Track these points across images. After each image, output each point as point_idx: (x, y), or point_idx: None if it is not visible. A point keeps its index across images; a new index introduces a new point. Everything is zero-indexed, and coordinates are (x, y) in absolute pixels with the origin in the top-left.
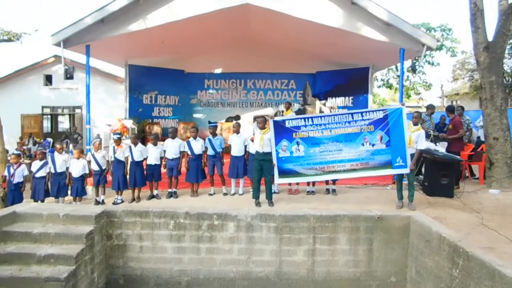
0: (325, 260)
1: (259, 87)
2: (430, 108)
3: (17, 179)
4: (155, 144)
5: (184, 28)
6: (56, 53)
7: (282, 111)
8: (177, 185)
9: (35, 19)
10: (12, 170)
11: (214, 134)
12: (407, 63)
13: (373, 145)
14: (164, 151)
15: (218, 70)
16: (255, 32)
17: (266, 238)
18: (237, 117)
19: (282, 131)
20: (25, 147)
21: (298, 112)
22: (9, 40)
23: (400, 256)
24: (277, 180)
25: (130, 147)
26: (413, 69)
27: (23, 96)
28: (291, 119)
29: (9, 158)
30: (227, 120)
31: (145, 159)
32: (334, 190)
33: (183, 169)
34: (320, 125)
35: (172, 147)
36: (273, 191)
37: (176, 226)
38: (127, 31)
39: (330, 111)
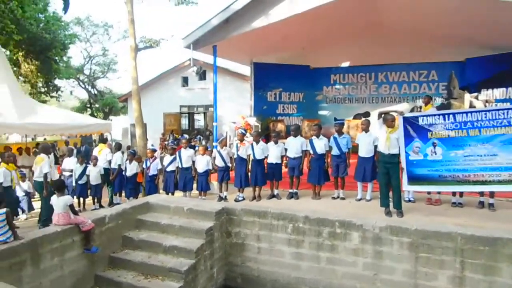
0: None
1: (392, 80)
2: None
3: (152, 171)
4: (276, 142)
5: (307, 21)
6: (191, 56)
7: (420, 107)
8: (299, 186)
9: (172, 25)
10: (148, 164)
11: (340, 133)
12: None
13: None
14: (286, 149)
15: (345, 64)
16: (386, 18)
17: (397, 255)
18: (367, 114)
19: (414, 130)
20: (166, 142)
21: (441, 107)
22: (150, 46)
23: None
24: (406, 186)
25: (252, 145)
26: None
27: (164, 97)
28: (426, 116)
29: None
30: (354, 117)
31: (266, 157)
32: (491, 205)
33: (305, 169)
34: (466, 123)
35: (293, 146)
36: (407, 199)
37: (294, 230)
38: (250, 29)
39: (485, 106)
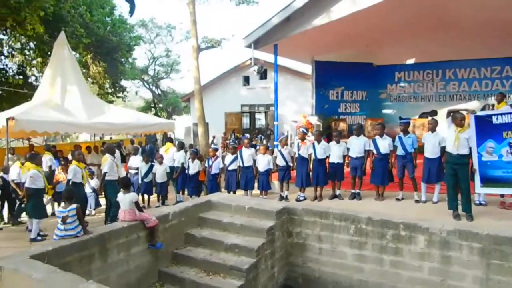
0: None
1: (461, 77)
2: None
3: (214, 170)
4: (338, 142)
5: (371, 17)
6: (251, 55)
7: (492, 105)
8: (361, 186)
9: (233, 24)
10: (210, 162)
11: (405, 132)
12: None
13: None
14: (348, 149)
15: (410, 61)
16: (456, 12)
17: (467, 261)
18: (433, 113)
19: (487, 129)
20: (227, 141)
21: None
22: (212, 46)
23: None
24: (479, 189)
25: (313, 144)
26: None
27: (226, 96)
28: (500, 114)
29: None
30: (420, 116)
31: (328, 157)
32: None
33: (368, 169)
34: None
35: (356, 145)
36: (477, 202)
37: (357, 231)
38: (312, 26)
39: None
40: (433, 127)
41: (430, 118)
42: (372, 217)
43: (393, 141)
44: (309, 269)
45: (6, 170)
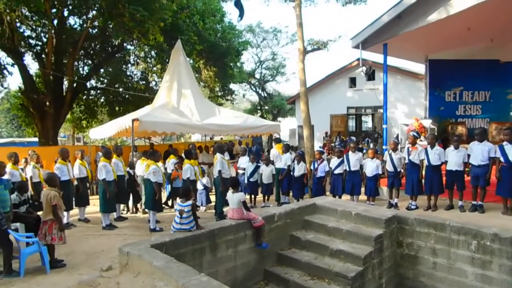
0: None
1: None
2: None
3: (319, 173)
4: (456, 147)
5: (498, 8)
6: (358, 56)
7: None
8: (484, 198)
9: (339, 25)
10: (316, 165)
11: None
12: None
13: None
14: (469, 155)
15: None
16: None
17: None
18: None
19: None
20: (332, 144)
21: None
22: (318, 48)
23: None
24: None
25: (426, 149)
26: None
27: (331, 98)
28: None
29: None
30: None
31: (443, 163)
32: None
33: (493, 179)
34: None
35: (478, 152)
36: None
37: (480, 248)
38: (426, 23)
39: None
40: None
41: None
42: (500, 233)
43: None
44: (421, 284)
45: (132, 166)
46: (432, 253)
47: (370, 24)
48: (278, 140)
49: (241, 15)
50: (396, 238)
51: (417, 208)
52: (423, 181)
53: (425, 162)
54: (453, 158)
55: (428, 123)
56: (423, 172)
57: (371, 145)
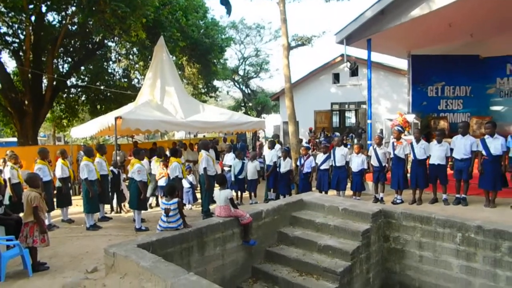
0: None
1: None
2: None
3: (306, 169)
4: (439, 142)
5: (479, 3)
6: (342, 52)
7: None
8: (467, 191)
9: (323, 21)
10: (302, 161)
11: None
12: None
13: None
14: (451, 149)
15: None
16: None
17: None
18: None
19: None
20: (317, 140)
21: None
22: (302, 44)
23: None
24: None
25: (411, 143)
26: None
27: (315, 94)
28: None
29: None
30: None
31: (428, 157)
32: None
33: (475, 172)
34: None
35: (461, 146)
36: None
37: (464, 240)
38: (409, 18)
39: None
40: None
41: None
42: (483, 225)
43: (506, 141)
44: (408, 277)
45: (115, 165)
46: (418, 247)
47: (354, 20)
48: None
49: (229, 11)
50: (383, 233)
51: (402, 202)
52: (408, 175)
53: (411, 157)
54: (436, 152)
55: (411, 117)
56: (409, 167)
57: (355, 141)
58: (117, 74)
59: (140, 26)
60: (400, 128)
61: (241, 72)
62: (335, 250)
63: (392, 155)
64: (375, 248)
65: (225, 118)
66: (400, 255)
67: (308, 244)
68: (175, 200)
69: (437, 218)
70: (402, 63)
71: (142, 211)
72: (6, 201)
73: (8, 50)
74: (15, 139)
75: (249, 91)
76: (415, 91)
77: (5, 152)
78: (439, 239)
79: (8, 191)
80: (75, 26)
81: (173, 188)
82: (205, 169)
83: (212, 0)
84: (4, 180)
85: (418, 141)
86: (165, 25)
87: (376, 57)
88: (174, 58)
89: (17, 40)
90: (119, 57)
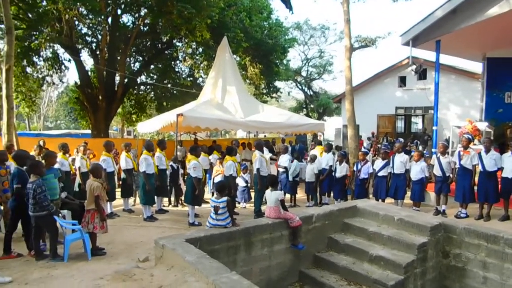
0: None
1: None
2: None
3: (362, 175)
4: None
5: None
6: (409, 53)
7: None
8: None
9: (388, 22)
10: (359, 166)
11: None
12: None
13: None
14: None
15: None
16: None
17: None
18: None
19: None
20: (379, 145)
21: None
22: (366, 45)
23: None
24: None
25: (480, 153)
26: None
27: (379, 98)
28: None
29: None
30: None
31: (499, 169)
32: None
33: None
34: None
35: None
36: None
37: None
38: (485, 18)
39: None
40: None
41: None
42: None
43: None
44: None
45: (175, 160)
46: (482, 267)
47: (422, 20)
48: (319, 142)
49: (290, 7)
50: (442, 248)
51: (467, 217)
52: (475, 188)
53: (479, 168)
54: (510, 165)
55: (483, 126)
56: (476, 179)
57: (420, 148)
58: (183, 73)
59: (204, 26)
60: (470, 137)
61: (303, 73)
62: (387, 262)
63: (457, 165)
64: (432, 264)
65: (284, 119)
66: (461, 273)
67: (358, 252)
68: (224, 198)
69: (506, 238)
70: (476, 66)
71: (197, 207)
72: (76, 188)
73: (87, 49)
74: (89, 131)
75: (311, 93)
76: (490, 97)
77: (82, 142)
78: (507, 262)
79: (77, 179)
80: (146, 27)
81: (223, 186)
82: (258, 169)
83: (277, 1)
84: (75, 168)
85: (488, 151)
86: (229, 25)
87: (447, 59)
88: (237, 58)
89: (95, 40)
90: (185, 57)
